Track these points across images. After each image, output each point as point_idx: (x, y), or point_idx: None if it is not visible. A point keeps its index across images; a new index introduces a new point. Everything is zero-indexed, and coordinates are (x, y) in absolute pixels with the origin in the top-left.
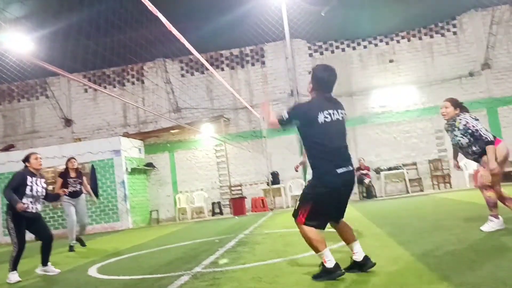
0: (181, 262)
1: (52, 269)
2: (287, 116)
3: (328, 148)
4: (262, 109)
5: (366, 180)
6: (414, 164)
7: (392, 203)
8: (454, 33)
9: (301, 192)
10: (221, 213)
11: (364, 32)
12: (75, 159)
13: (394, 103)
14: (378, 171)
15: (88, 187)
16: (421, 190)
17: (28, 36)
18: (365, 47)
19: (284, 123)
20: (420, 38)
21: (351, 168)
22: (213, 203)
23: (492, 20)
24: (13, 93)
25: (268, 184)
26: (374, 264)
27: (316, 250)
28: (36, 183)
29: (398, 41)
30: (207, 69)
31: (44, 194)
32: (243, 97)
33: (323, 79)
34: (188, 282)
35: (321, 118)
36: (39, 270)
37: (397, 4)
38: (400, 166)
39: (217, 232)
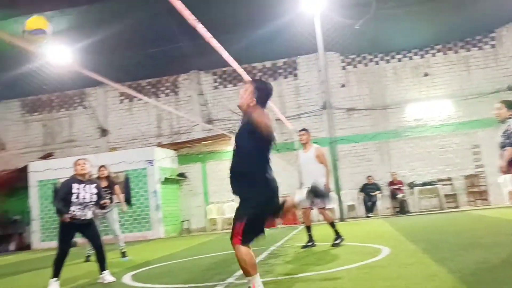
0: (213, 273)
1: (107, 278)
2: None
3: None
4: None
5: (400, 195)
6: (449, 179)
7: (426, 219)
8: (492, 46)
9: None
10: None
11: (398, 45)
12: (105, 167)
13: (428, 117)
14: (411, 186)
15: (121, 196)
16: (457, 207)
17: (68, 48)
18: (399, 60)
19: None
20: (456, 52)
21: None
22: None
23: None
24: (53, 103)
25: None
26: None
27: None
28: (84, 190)
29: (433, 54)
30: (239, 81)
31: (93, 200)
32: (275, 109)
33: (267, 93)
34: None
35: None
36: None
37: (432, 17)
38: (435, 182)
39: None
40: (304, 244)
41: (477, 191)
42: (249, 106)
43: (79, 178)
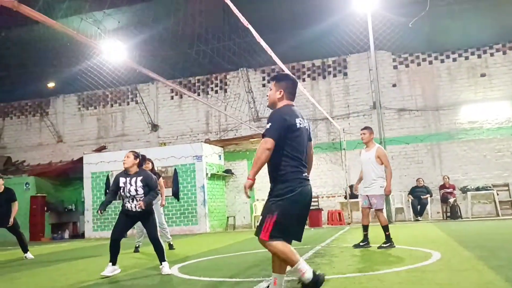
0: (259, 269)
1: (164, 269)
2: (269, 127)
3: (299, 154)
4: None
5: (451, 199)
6: (506, 185)
7: (480, 225)
8: None
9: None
10: None
11: (454, 44)
12: (150, 160)
13: (484, 119)
14: (464, 190)
15: (162, 190)
16: None
17: (124, 45)
18: (454, 59)
19: (268, 134)
20: None
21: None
22: None
23: None
24: (107, 98)
25: (345, 198)
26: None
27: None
28: (130, 183)
29: (491, 54)
30: None
31: (140, 192)
32: (323, 108)
33: (293, 85)
34: None
35: (297, 122)
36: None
37: (491, 14)
38: (490, 187)
39: (293, 242)
40: (357, 243)
41: None
42: (275, 102)
43: (125, 172)
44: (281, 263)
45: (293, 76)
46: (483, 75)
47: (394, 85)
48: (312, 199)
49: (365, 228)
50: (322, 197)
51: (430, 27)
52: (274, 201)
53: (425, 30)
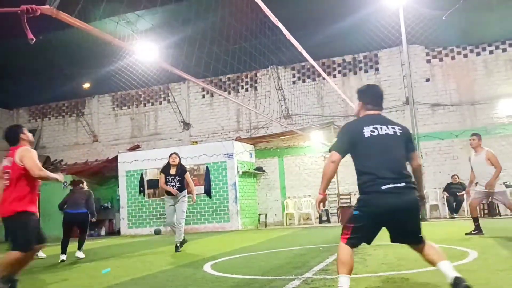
0: (291, 267)
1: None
2: (334, 143)
3: (375, 161)
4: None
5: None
6: None
7: None
8: None
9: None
10: (328, 221)
11: (490, 36)
12: (176, 154)
13: None
14: (506, 186)
15: (191, 185)
16: None
17: (155, 45)
18: (491, 52)
19: (333, 149)
20: None
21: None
22: (321, 210)
23: None
24: (140, 98)
25: None
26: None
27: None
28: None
29: None
30: (318, 76)
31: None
32: (355, 104)
33: (371, 93)
34: (299, 286)
35: (366, 132)
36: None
37: None
38: None
39: (325, 240)
40: (469, 232)
41: None
42: (357, 116)
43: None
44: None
45: (371, 84)
46: None
47: (427, 80)
48: (345, 197)
49: (475, 219)
50: (354, 194)
51: (465, 19)
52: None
53: (460, 22)
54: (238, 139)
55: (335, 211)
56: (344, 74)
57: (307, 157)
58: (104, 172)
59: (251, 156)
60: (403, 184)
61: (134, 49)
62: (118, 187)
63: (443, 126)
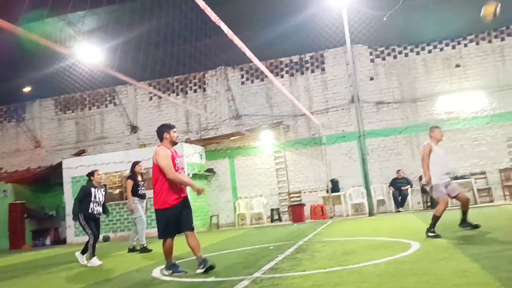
0: (241, 267)
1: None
2: None
3: None
4: None
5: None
6: (483, 173)
7: (459, 213)
8: None
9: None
10: (279, 219)
11: (428, 36)
12: (141, 163)
13: (461, 110)
14: None
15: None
16: (491, 201)
17: (100, 47)
18: (429, 51)
19: None
20: (489, 41)
21: None
22: (272, 210)
23: None
24: (85, 101)
25: (327, 192)
26: None
27: None
28: (98, 192)
29: (465, 45)
30: (267, 76)
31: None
32: (302, 103)
33: None
34: (248, 286)
35: None
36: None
37: (464, 6)
38: (468, 175)
39: (276, 239)
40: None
41: None
42: None
43: (95, 184)
44: None
45: None
46: (458, 65)
47: (371, 79)
48: (295, 195)
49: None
50: (305, 192)
51: (404, 19)
52: None
53: (400, 23)
54: (188, 141)
55: (286, 209)
56: (292, 74)
57: (258, 157)
58: (49, 179)
59: (201, 158)
60: None
61: (69, 51)
62: (63, 194)
63: (387, 123)
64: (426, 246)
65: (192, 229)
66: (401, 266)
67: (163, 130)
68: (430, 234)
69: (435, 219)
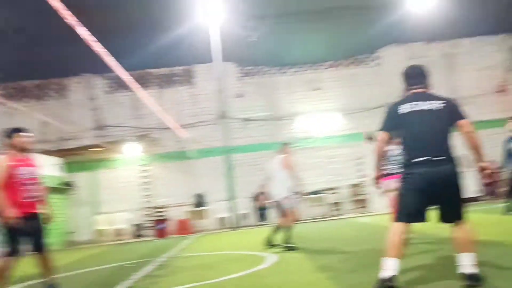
0: None
1: None
2: (381, 127)
3: (412, 137)
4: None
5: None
6: (335, 188)
7: (314, 226)
8: (377, 64)
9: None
10: (143, 235)
11: (293, 59)
12: None
13: (318, 129)
14: (302, 194)
15: None
16: (341, 214)
17: None
18: (293, 73)
19: (384, 129)
20: (345, 68)
21: (437, 157)
22: (135, 225)
23: (409, 55)
24: None
25: (193, 206)
26: (479, 281)
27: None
28: None
29: (324, 69)
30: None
31: None
32: (171, 117)
33: (410, 73)
34: None
35: (401, 110)
36: None
37: (324, 35)
38: (322, 191)
39: (137, 256)
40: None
41: (359, 200)
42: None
43: None
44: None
45: (410, 65)
46: (317, 88)
47: (239, 96)
48: (160, 209)
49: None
50: (170, 207)
51: (272, 42)
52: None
53: (269, 45)
54: (44, 151)
55: (151, 224)
56: (161, 86)
57: (122, 170)
58: None
59: (59, 170)
60: (438, 158)
61: None
62: None
63: (253, 139)
64: (282, 259)
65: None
66: (255, 279)
67: (7, 135)
68: (283, 245)
69: (287, 231)
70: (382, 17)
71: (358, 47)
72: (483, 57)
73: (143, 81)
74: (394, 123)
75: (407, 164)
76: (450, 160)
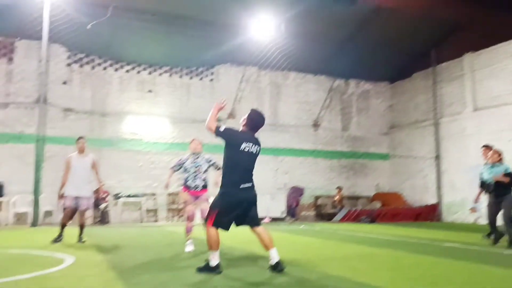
0: None
1: None
2: (223, 130)
3: (240, 168)
4: (213, 110)
5: (102, 205)
6: (154, 194)
7: (125, 231)
8: (211, 80)
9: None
10: None
11: (129, 57)
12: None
13: (145, 132)
14: (117, 197)
15: None
16: (156, 221)
17: None
18: (127, 71)
19: (218, 133)
20: (180, 77)
21: (251, 185)
22: None
23: (242, 76)
24: None
25: None
26: (283, 269)
27: (210, 248)
28: None
29: (160, 74)
30: None
31: None
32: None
33: (256, 122)
34: None
35: (242, 146)
36: None
37: (166, 40)
38: (140, 195)
39: None
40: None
41: (176, 208)
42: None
43: None
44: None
45: (260, 116)
46: (150, 91)
47: (64, 83)
48: None
49: (64, 225)
50: None
51: (110, 34)
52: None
53: (105, 36)
54: None
55: None
56: None
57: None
58: None
59: None
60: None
61: None
62: None
63: (71, 132)
64: (80, 261)
65: None
66: (45, 282)
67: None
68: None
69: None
70: (225, 35)
71: (196, 59)
72: (305, 92)
73: None
74: (234, 148)
75: (235, 186)
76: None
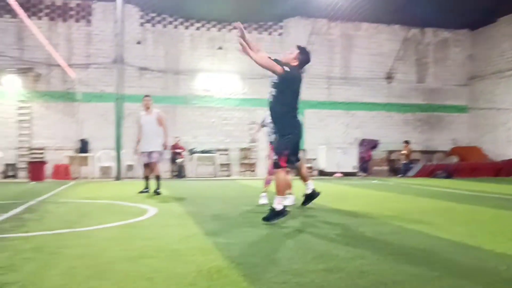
0: None
1: None
2: (289, 70)
3: (297, 106)
4: (245, 45)
5: (179, 160)
6: (226, 150)
7: (200, 184)
8: (280, 34)
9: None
10: (15, 176)
11: (198, 14)
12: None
13: (217, 89)
14: (192, 152)
15: None
16: (229, 175)
17: None
18: (197, 28)
19: (286, 74)
20: (249, 32)
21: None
22: (7, 165)
23: (312, 29)
24: None
25: (75, 151)
26: (319, 193)
27: (279, 192)
28: None
29: (229, 30)
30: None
31: None
32: (60, 53)
33: (307, 59)
34: None
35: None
36: None
37: None
38: (213, 150)
39: (5, 197)
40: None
41: (248, 163)
42: (291, 60)
43: None
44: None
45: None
46: (220, 48)
47: (138, 43)
48: (38, 151)
49: (147, 178)
50: (49, 150)
51: None
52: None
53: None
54: None
55: (25, 165)
56: (52, 18)
57: None
58: None
59: None
60: None
61: None
62: None
63: (148, 90)
64: (162, 212)
65: None
66: (131, 230)
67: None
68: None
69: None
70: None
71: (265, 13)
72: (377, 43)
73: (33, 9)
74: (297, 84)
75: (297, 126)
76: None
